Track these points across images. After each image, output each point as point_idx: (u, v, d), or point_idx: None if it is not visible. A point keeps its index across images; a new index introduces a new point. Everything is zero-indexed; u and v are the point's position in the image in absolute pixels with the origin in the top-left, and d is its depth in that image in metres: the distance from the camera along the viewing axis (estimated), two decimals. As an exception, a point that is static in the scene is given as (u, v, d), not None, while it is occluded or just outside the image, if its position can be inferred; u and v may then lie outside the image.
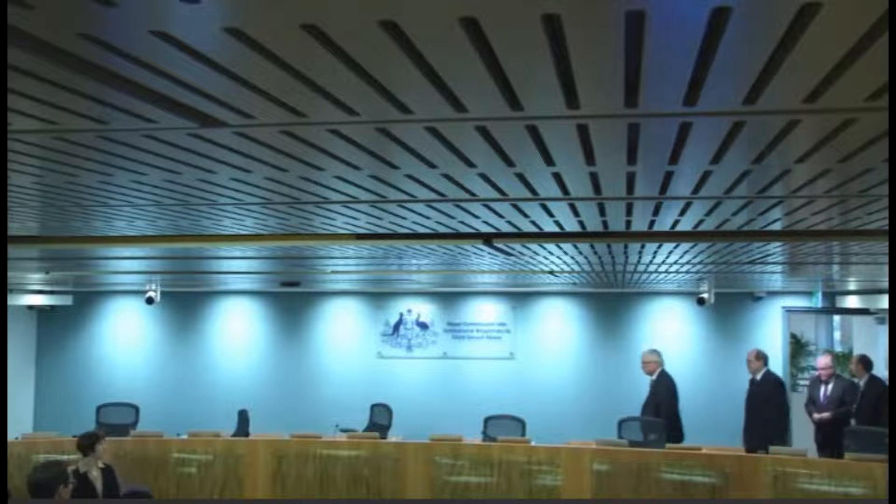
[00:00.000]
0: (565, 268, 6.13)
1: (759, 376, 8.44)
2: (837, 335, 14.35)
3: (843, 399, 8.25)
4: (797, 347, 12.34)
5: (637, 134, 1.62)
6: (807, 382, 9.66)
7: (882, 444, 6.89)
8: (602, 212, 2.88)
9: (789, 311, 10.71)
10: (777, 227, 3.26)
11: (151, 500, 7.41)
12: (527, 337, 10.97)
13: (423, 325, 11.30)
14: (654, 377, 8.45)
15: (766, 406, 8.20)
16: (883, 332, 10.88)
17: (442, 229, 3.47)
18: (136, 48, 1.11)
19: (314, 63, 1.16)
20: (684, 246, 4.33)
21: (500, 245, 4.06)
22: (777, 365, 10.44)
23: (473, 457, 7.44)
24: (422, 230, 3.53)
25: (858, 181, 2.16)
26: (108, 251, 5.24)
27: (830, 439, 7.93)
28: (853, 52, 1.09)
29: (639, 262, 5.42)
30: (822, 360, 8.62)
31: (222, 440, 8.05)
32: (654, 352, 8.69)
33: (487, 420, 8.79)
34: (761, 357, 8.52)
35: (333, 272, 7.14)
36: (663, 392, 8.28)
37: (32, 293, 11.04)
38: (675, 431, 7.99)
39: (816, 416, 8.34)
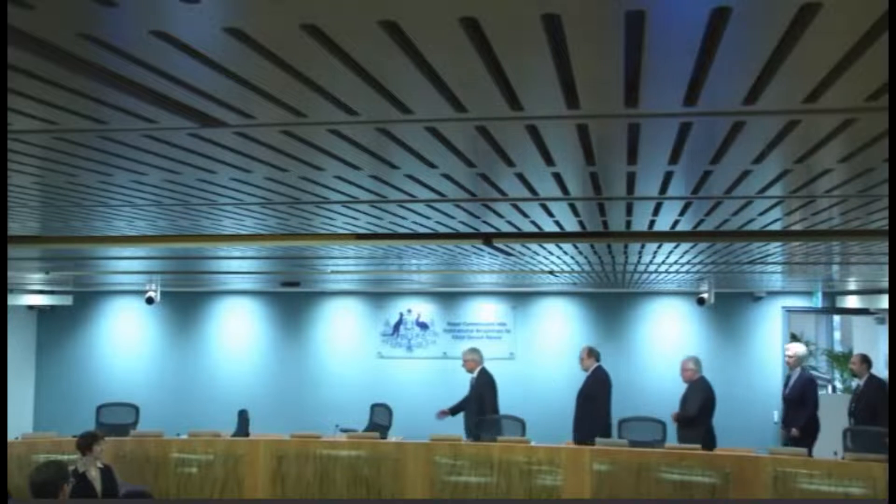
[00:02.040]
0: (565, 268, 6.13)
1: (589, 372, 8.73)
2: (837, 335, 14.36)
3: (685, 403, 8.48)
4: (797, 347, 12.33)
5: (637, 134, 1.62)
6: None
7: (881, 443, 6.89)
8: (602, 212, 2.88)
9: (789, 311, 10.71)
10: (777, 227, 3.26)
11: (151, 500, 7.41)
12: (527, 337, 10.96)
13: (423, 325, 11.30)
14: (474, 375, 8.69)
15: (589, 402, 8.48)
16: (883, 332, 10.89)
17: (442, 229, 3.47)
18: (136, 48, 1.11)
19: (314, 63, 1.16)
20: (684, 246, 4.34)
21: (500, 245, 4.06)
22: (777, 364, 10.45)
23: (473, 457, 7.44)
24: (422, 230, 3.53)
25: (858, 181, 2.16)
26: (108, 251, 5.24)
27: (684, 440, 8.10)
28: (853, 52, 1.09)
29: (639, 262, 5.42)
30: (683, 363, 8.77)
31: (222, 440, 8.05)
32: (474, 350, 8.94)
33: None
34: (592, 354, 8.79)
35: (333, 272, 7.14)
36: (481, 389, 8.52)
37: (32, 293, 11.04)
38: (494, 426, 8.29)
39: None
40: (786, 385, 8.87)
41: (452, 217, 3.05)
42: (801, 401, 8.43)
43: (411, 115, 1.46)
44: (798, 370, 8.67)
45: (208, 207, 2.85)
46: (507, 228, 3.41)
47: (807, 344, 13.11)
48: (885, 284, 7.72)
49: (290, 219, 3.17)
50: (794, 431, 8.24)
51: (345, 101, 1.38)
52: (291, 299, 11.41)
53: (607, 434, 8.18)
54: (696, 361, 8.70)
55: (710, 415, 8.39)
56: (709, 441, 8.06)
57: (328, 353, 11.42)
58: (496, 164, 1.95)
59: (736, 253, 4.72)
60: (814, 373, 11.97)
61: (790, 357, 8.75)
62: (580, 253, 4.86)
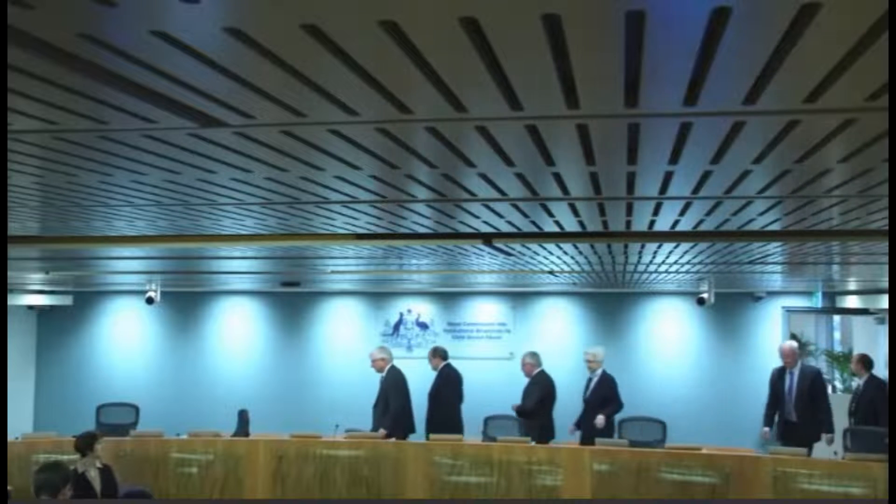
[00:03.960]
0: (565, 268, 6.13)
1: (437, 370, 9.11)
2: (837, 335, 14.35)
3: (525, 397, 8.74)
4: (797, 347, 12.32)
5: (637, 134, 1.62)
6: None
7: (881, 443, 6.90)
8: (602, 212, 2.88)
9: (789, 311, 10.71)
10: (777, 227, 3.26)
11: (151, 500, 7.41)
12: (527, 337, 10.96)
13: (423, 325, 11.29)
14: (384, 374, 8.81)
15: (438, 400, 8.92)
16: (883, 332, 10.88)
17: (442, 229, 3.47)
18: (136, 48, 1.11)
19: (314, 63, 1.16)
20: (684, 246, 4.34)
21: (500, 245, 4.06)
22: (777, 365, 10.43)
23: (473, 457, 7.44)
24: (422, 230, 3.53)
25: (858, 181, 2.16)
26: (108, 251, 5.24)
27: (524, 431, 8.38)
28: (853, 52, 1.09)
29: (639, 262, 5.42)
30: (522, 359, 9.04)
31: (222, 440, 8.04)
32: (382, 349, 9.08)
33: (487, 420, 8.79)
34: (438, 353, 9.23)
35: (333, 272, 7.14)
36: (390, 388, 8.62)
37: (32, 293, 11.04)
38: (404, 425, 8.45)
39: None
40: (586, 388, 8.82)
41: (452, 217, 3.05)
42: (602, 402, 8.52)
43: (411, 115, 1.46)
44: (599, 372, 8.75)
45: (208, 207, 2.85)
46: (507, 228, 3.41)
47: (806, 344, 13.11)
48: (885, 284, 7.72)
49: (290, 219, 3.17)
50: (600, 420, 8.29)
51: (345, 101, 1.38)
52: (291, 299, 11.40)
53: (459, 430, 8.51)
54: (534, 356, 8.93)
55: (549, 407, 8.59)
56: (546, 433, 8.27)
57: (328, 352, 11.42)
58: (496, 163, 1.95)
59: (736, 253, 4.71)
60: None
61: (591, 361, 8.78)
62: (580, 253, 4.86)
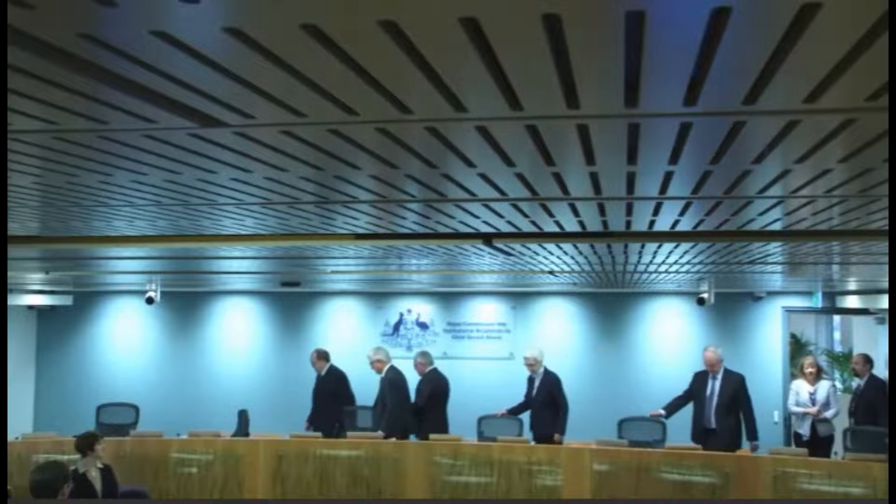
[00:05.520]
0: (565, 268, 6.13)
1: (322, 372, 9.51)
2: (837, 335, 14.34)
3: (417, 395, 8.86)
4: (797, 347, 12.33)
5: (637, 134, 1.62)
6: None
7: (881, 443, 6.90)
8: (602, 212, 2.88)
9: (789, 311, 10.71)
10: (777, 227, 3.26)
11: (151, 500, 7.41)
12: (527, 337, 10.96)
13: (423, 325, 11.29)
14: (382, 375, 8.84)
15: (331, 399, 9.27)
16: (883, 332, 10.88)
17: (442, 229, 3.47)
18: (136, 48, 1.11)
19: (314, 63, 1.16)
20: (684, 246, 4.34)
21: (500, 245, 4.06)
22: (777, 365, 10.45)
23: (473, 457, 7.44)
24: (422, 230, 3.53)
25: (858, 181, 2.16)
26: (108, 251, 5.24)
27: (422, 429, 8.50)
28: (853, 52, 1.09)
29: (639, 262, 5.42)
30: (414, 359, 9.17)
31: (222, 440, 8.05)
32: (379, 350, 9.13)
33: (481, 420, 8.79)
34: (322, 356, 9.60)
35: (333, 272, 7.14)
36: (387, 389, 8.67)
37: (32, 293, 11.04)
38: (402, 425, 8.48)
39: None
40: (530, 387, 8.83)
41: (452, 217, 3.05)
42: (549, 402, 8.50)
43: (411, 115, 1.46)
44: (541, 372, 8.72)
45: (208, 207, 2.85)
46: (507, 228, 3.41)
47: (805, 344, 13.10)
48: (885, 284, 7.72)
49: (290, 219, 3.17)
50: (557, 437, 8.21)
51: (345, 101, 1.38)
52: (291, 299, 11.40)
53: (346, 426, 8.74)
54: (425, 355, 9.09)
55: (440, 403, 8.72)
56: (440, 428, 8.36)
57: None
58: (496, 163, 1.95)
59: (736, 253, 4.71)
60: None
61: (532, 364, 8.74)
62: (580, 253, 4.86)
